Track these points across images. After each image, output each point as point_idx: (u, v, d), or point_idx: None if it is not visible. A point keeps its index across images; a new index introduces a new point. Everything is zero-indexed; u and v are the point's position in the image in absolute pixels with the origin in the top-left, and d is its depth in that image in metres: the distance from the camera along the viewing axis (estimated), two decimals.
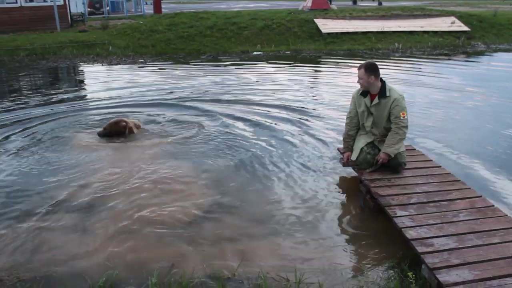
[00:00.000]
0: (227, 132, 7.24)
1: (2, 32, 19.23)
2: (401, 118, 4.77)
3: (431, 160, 5.44)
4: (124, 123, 7.02)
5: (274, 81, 11.59)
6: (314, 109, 8.60)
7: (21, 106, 9.32)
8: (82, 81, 13.06)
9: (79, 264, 3.80)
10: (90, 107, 9.32)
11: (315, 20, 19.78)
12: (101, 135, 6.97)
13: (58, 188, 5.24)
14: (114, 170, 5.75)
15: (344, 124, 5.39)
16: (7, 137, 7.11)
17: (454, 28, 19.44)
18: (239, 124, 7.65)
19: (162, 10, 27.97)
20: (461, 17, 20.72)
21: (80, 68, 14.74)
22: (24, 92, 11.04)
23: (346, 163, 5.28)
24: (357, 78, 4.88)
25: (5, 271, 3.71)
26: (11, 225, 4.43)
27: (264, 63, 14.87)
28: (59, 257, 3.91)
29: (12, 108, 9.15)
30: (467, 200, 4.32)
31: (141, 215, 4.57)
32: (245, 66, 14.26)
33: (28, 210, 4.72)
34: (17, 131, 7.40)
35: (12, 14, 20.32)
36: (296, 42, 18.05)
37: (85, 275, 3.63)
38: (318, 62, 15.18)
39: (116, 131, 6.97)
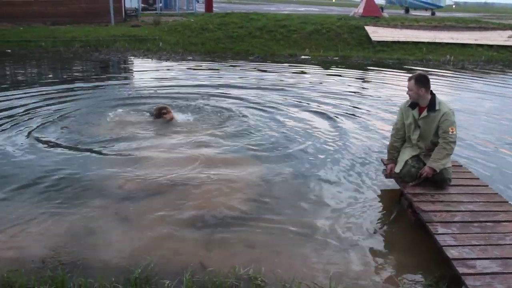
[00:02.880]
0: (274, 131, 7.36)
1: (60, 23, 20.03)
2: (450, 133, 4.63)
3: (477, 178, 5.24)
4: (165, 111, 7.59)
5: (321, 86, 11.51)
6: (360, 117, 8.48)
7: (72, 90, 9.92)
8: (132, 72, 13.52)
9: (117, 253, 3.89)
10: (140, 95, 9.77)
11: (366, 27, 19.52)
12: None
13: (103, 175, 5.40)
14: (165, 160, 5.93)
15: (389, 135, 5.30)
16: (54, 121, 7.40)
17: (511, 42, 18.70)
18: (285, 125, 7.73)
19: (213, 9, 28.38)
20: None
21: (131, 61, 15.18)
22: (77, 79, 11.68)
23: (389, 174, 5.16)
24: (407, 89, 4.78)
25: (48, 253, 3.83)
26: (56, 210, 4.59)
27: (312, 67, 14.82)
28: (99, 243, 4.03)
29: (64, 91, 9.75)
30: None
31: (183, 210, 4.65)
32: (294, 68, 14.27)
33: (73, 196, 4.88)
34: (66, 116, 7.68)
35: (70, 6, 21.19)
36: (345, 49, 17.86)
37: (123, 264, 3.71)
38: (367, 70, 14.94)
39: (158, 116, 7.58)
